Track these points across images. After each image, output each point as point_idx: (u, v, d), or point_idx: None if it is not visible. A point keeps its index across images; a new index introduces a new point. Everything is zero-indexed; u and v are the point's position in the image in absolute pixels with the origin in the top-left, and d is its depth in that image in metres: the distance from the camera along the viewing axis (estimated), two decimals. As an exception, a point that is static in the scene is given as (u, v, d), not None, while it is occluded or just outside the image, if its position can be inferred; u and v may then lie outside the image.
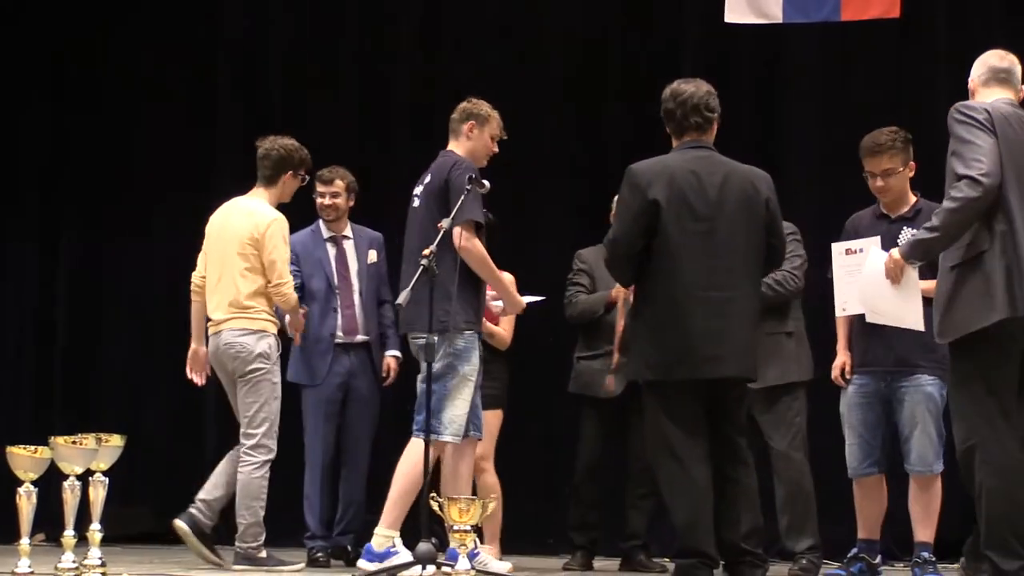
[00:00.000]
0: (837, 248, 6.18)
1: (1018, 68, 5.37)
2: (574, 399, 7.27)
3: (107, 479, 5.64)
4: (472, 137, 6.36)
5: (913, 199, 6.34)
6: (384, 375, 7.36)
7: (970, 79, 5.41)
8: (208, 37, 9.26)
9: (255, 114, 9.02)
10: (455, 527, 5.58)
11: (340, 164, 7.45)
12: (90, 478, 5.61)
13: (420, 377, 6.09)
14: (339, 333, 7.24)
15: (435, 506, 5.62)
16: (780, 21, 7.92)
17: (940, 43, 8.10)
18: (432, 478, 5.86)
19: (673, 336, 5.32)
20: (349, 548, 7.21)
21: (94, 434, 5.59)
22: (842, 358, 6.38)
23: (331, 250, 7.37)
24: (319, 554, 7.12)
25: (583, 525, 7.21)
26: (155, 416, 8.98)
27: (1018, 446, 5.00)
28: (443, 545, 6.19)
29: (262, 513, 6.56)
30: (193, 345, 6.91)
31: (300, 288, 7.13)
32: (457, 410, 6.13)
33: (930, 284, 5.40)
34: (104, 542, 5.68)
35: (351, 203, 7.44)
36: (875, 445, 6.28)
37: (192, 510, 6.63)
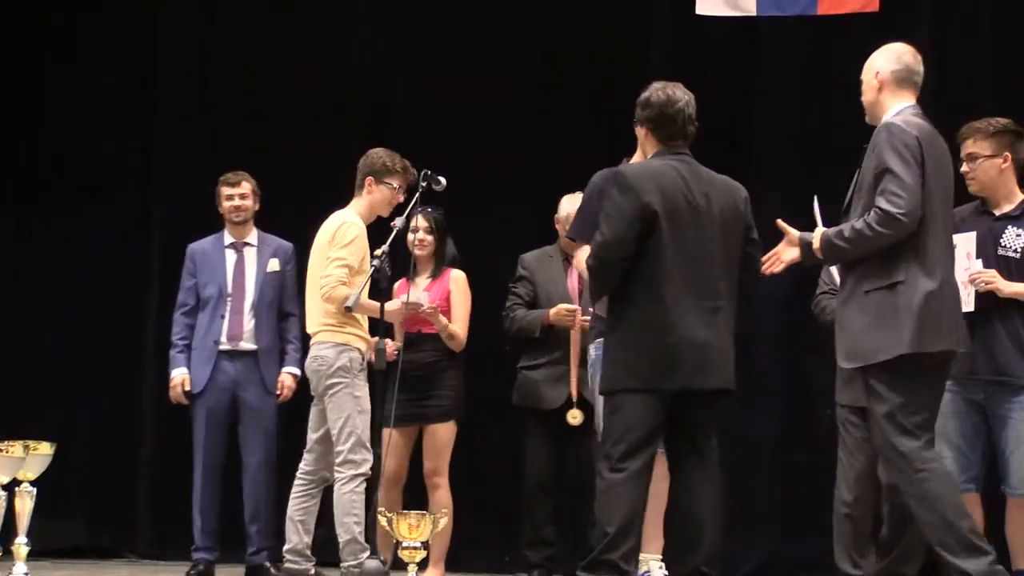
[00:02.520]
0: None
1: (922, 68, 5.46)
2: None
3: (35, 489, 5.55)
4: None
5: (1021, 196, 6.14)
6: (277, 392, 7.38)
7: (879, 70, 5.41)
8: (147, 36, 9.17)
9: (191, 116, 8.99)
10: (404, 544, 5.60)
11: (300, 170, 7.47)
12: (16, 488, 5.52)
13: None
14: (223, 339, 7.31)
15: (383, 521, 5.64)
16: (754, 14, 7.93)
17: (922, 39, 7.99)
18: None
19: (662, 344, 5.35)
20: (267, 565, 7.25)
21: (21, 441, 5.51)
22: None
23: (231, 256, 7.47)
24: (200, 566, 7.18)
25: (538, 542, 7.15)
26: (87, 423, 8.82)
27: (937, 456, 5.22)
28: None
29: (358, 529, 6.42)
30: None
31: (198, 297, 7.35)
32: None
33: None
34: (31, 556, 5.59)
35: (257, 207, 7.52)
36: (974, 460, 6.08)
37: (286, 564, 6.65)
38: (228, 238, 7.49)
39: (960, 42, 8.03)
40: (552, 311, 7.00)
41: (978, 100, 7.51)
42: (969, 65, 7.94)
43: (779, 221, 5.52)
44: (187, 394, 7.32)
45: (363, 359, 6.56)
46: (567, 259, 7.13)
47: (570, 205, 6.85)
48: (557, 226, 7.19)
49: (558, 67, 8.57)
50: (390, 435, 6.72)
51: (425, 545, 5.71)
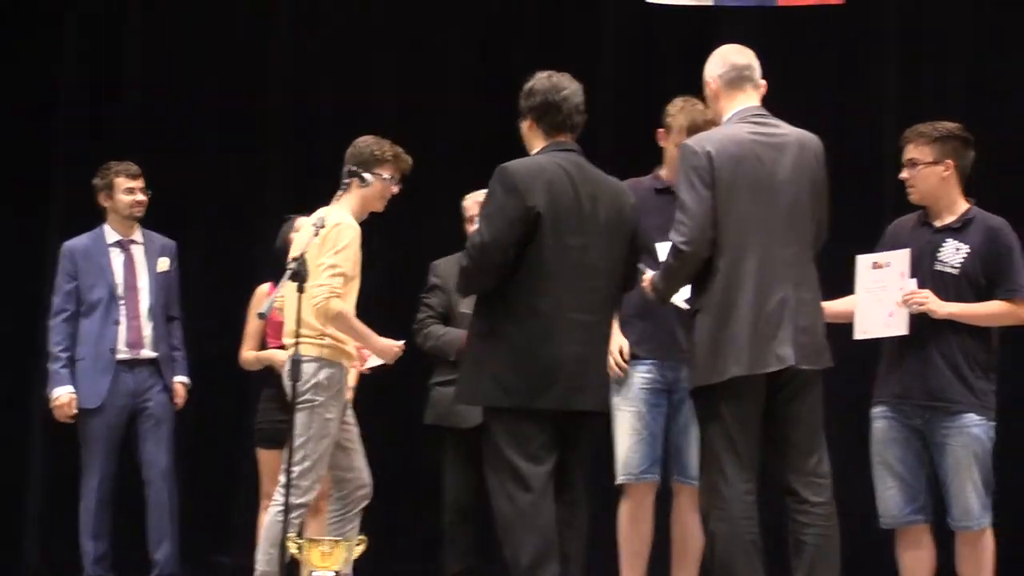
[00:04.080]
0: (863, 262, 5.81)
1: (757, 62, 5.38)
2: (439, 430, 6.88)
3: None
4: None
5: (964, 207, 5.91)
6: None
7: (709, 76, 5.39)
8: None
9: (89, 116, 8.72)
10: (315, 573, 5.55)
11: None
12: None
13: None
14: (121, 347, 6.98)
15: (293, 548, 5.58)
16: (710, 4, 7.73)
17: (890, 35, 7.98)
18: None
19: (539, 360, 5.19)
20: None
21: None
22: None
23: (117, 255, 7.14)
24: None
25: (463, 572, 6.76)
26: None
27: (748, 491, 5.14)
28: None
29: (278, 562, 5.94)
30: None
31: (79, 301, 6.97)
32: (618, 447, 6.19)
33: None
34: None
35: None
36: (919, 488, 5.88)
37: None
38: (112, 235, 7.13)
39: (929, 35, 7.95)
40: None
41: (947, 98, 7.52)
42: (939, 62, 7.85)
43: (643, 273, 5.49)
44: (79, 411, 6.93)
45: (341, 374, 6.11)
46: None
47: (472, 202, 6.60)
48: (468, 227, 6.78)
49: (501, 60, 8.35)
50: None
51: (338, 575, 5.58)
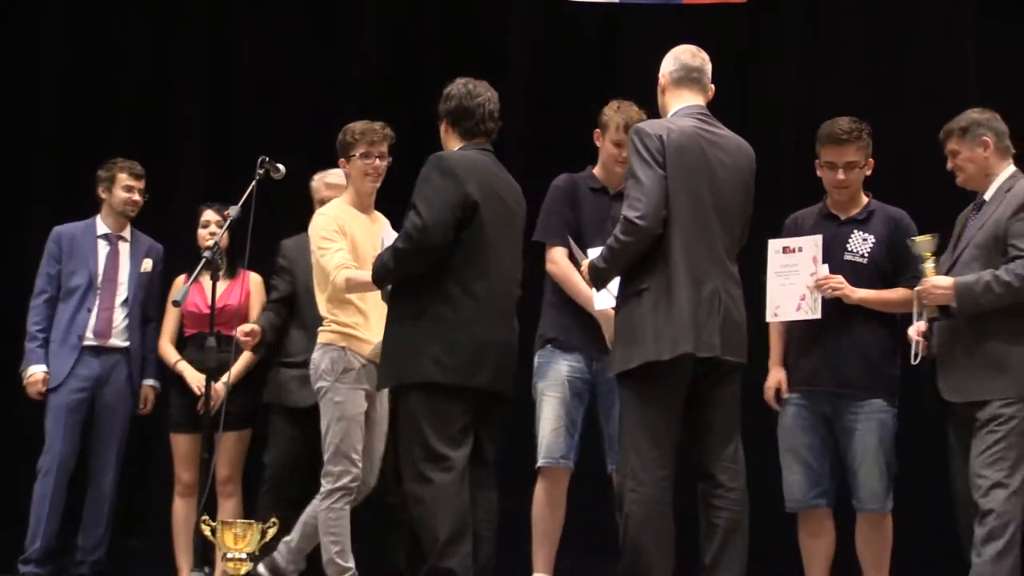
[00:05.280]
0: (774, 245, 5.99)
1: (709, 66, 5.52)
2: None
3: None
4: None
5: (865, 200, 6.18)
6: (142, 405, 7.16)
7: (661, 72, 5.52)
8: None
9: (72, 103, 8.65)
10: (228, 554, 5.56)
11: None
12: None
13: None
14: (88, 334, 7.01)
15: (207, 531, 5.60)
16: (616, 1, 7.84)
17: (790, 33, 8.09)
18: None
19: (474, 341, 5.37)
20: None
21: None
22: (777, 375, 6.17)
23: (103, 247, 7.18)
24: None
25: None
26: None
27: (664, 476, 5.23)
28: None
29: (335, 549, 6.04)
30: None
31: (59, 286, 7.03)
32: (541, 430, 6.25)
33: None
34: None
35: None
36: (823, 473, 6.06)
37: (274, 553, 6.27)
38: (102, 227, 7.21)
39: (828, 37, 8.04)
40: (239, 330, 6.54)
41: (845, 95, 7.53)
42: (836, 60, 7.94)
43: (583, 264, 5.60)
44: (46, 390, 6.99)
45: (346, 356, 6.13)
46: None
47: (320, 183, 6.70)
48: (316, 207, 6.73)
49: (412, 53, 8.42)
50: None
51: (252, 556, 5.57)
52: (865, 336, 5.94)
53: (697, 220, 5.25)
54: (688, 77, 5.46)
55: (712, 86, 5.52)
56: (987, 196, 5.63)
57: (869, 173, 6.14)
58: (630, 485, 5.24)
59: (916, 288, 5.64)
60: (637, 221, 5.18)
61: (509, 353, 5.50)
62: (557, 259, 6.28)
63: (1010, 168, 5.67)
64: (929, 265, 5.61)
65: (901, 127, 7.23)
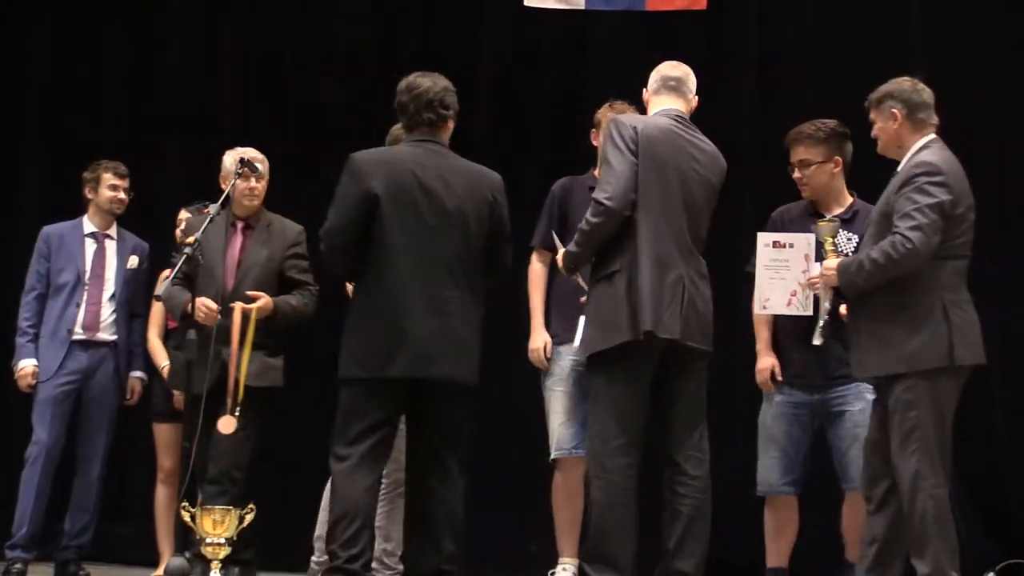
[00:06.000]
0: (763, 239, 5.96)
1: (691, 79, 5.74)
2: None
3: None
4: None
5: (850, 199, 6.24)
6: (128, 396, 7.30)
7: (645, 89, 5.76)
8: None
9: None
10: (208, 540, 5.60)
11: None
12: None
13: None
14: (77, 329, 7.17)
15: (186, 516, 5.64)
16: (582, 7, 7.98)
17: (748, 38, 8.19)
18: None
19: (385, 332, 5.37)
20: (72, 568, 7.12)
21: None
22: (770, 360, 6.22)
23: (90, 245, 7.32)
24: (17, 564, 6.99)
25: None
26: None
27: (629, 464, 5.40)
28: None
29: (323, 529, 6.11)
30: None
31: (47, 284, 7.17)
32: (551, 424, 6.32)
33: None
34: None
35: None
36: (797, 461, 6.16)
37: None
38: (89, 226, 7.36)
39: (784, 42, 8.15)
40: (198, 303, 6.21)
41: (801, 99, 7.67)
42: (792, 64, 8.05)
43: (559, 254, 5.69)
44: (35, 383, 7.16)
45: None
46: (234, 223, 6.56)
47: (229, 159, 6.62)
48: (224, 185, 6.60)
49: (381, 58, 8.52)
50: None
51: (230, 542, 5.64)
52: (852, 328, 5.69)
53: (665, 208, 5.43)
54: (666, 86, 5.70)
55: (695, 98, 5.72)
56: (899, 168, 5.53)
57: (837, 170, 6.19)
58: (595, 472, 5.41)
59: (819, 272, 5.67)
60: (605, 202, 5.35)
61: (440, 340, 5.37)
62: (533, 262, 6.47)
63: (923, 140, 5.52)
64: (828, 248, 5.65)
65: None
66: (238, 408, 6.10)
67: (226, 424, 6.05)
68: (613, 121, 5.53)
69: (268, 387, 6.36)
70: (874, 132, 5.63)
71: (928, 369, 5.31)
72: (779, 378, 6.20)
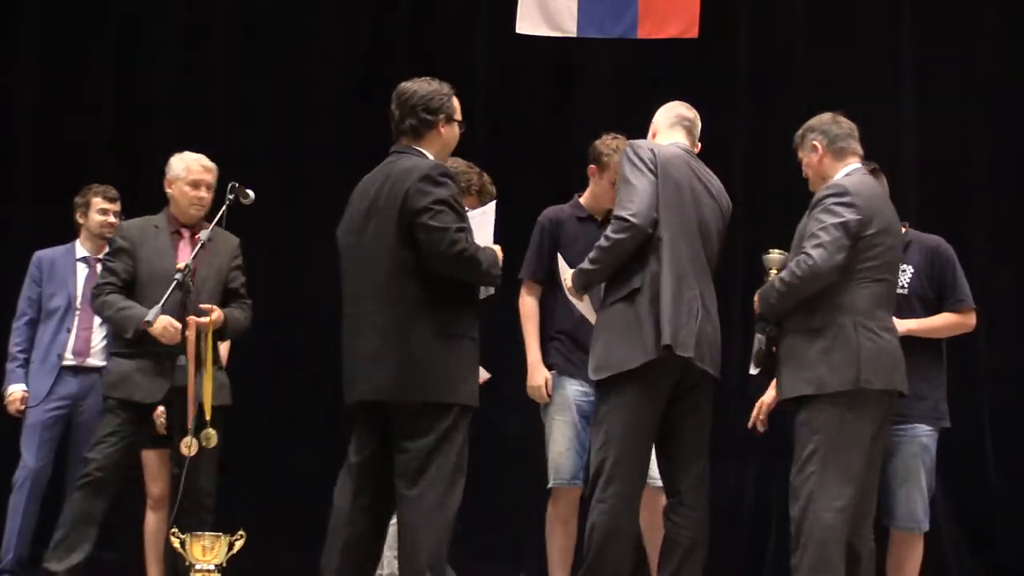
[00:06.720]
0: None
1: (699, 123, 5.77)
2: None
3: None
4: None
5: (903, 231, 6.06)
6: None
7: (653, 122, 5.78)
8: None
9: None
10: (198, 566, 5.61)
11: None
12: None
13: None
14: (68, 354, 7.15)
15: (176, 543, 5.63)
16: (574, 35, 7.97)
17: (740, 66, 8.24)
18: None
19: (348, 356, 5.20)
20: None
21: None
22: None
23: (82, 269, 7.29)
24: None
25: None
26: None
27: (633, 488, 5.39)
28: None
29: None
30: None
31: (39, 309, 7.16)
32: (550, 452, 6.27)
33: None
34: None
35: None
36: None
37: None
38: (81, 251, 7.32)
39: (777, 69, 8.20)
40: (158, 326, 6.00)
41: (795, 126, 7.62)
42: (785, 91, 8.10)
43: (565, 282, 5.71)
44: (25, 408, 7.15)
45: None
46: (178, 231, 6.42)
47: (179, 163, 6.48)
48: (169, 189, 6.48)
49: (373, 84, 8.38)
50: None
51: (220, 568, 5.63)
52: (909, 364, 5.55)
53: (683, 228, 5.43)
54: (680, 124, 5.72)
55: (699, 144, 5.74)
56: None
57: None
58: (598, 495, 5.36)
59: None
60: (630, 219, 5.33)
61: (382, 359, 5.04)
62: (523, 295, 6.37)
63: (846, 168, 5.54)
64: (769, 279, 5.58)
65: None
66: (205, 428, 5.97)
67: (189, 446, 5.93)
68: (630, 144, 5.54)
69: (223, 406, 6.28)
70: (803, 170, 5.69)
71: (834, 392, 5.30)
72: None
